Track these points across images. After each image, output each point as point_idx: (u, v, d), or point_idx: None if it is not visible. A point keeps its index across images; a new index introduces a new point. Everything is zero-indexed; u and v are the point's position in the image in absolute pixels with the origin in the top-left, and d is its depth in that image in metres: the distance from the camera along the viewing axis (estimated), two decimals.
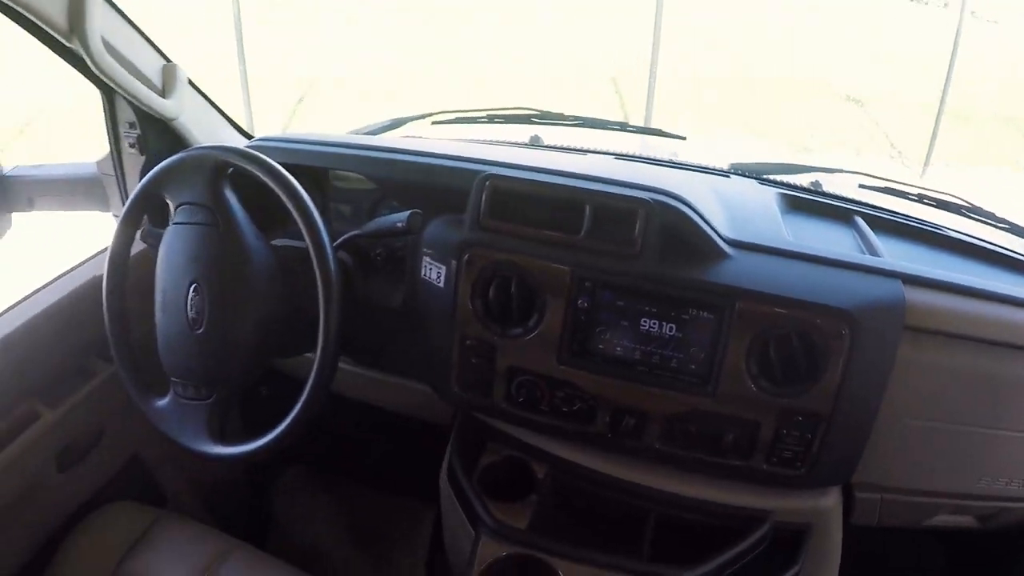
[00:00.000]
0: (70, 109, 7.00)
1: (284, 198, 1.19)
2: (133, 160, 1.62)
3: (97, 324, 1.36)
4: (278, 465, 2.19)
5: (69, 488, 1.60)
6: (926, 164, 7.18)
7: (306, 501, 2.19)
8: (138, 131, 1.57)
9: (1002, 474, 1.28)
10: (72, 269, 1.64)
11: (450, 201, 1.30)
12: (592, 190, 1.21)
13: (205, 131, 1.65)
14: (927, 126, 7.19)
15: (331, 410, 1.27)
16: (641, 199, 1.17)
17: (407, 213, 1.25)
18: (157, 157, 1.51)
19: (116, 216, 1.64)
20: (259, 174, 1.20)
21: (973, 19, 8.02)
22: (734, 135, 7.23)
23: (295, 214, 1.18)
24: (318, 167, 1.50)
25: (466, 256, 1.24)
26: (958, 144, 7.75)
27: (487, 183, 1.23)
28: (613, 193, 1.20)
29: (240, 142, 1.72)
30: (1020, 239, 1.55)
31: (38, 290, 1.57)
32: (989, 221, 1.56)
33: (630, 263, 1.17)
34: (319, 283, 1.16)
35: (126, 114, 1.57)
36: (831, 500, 1.27)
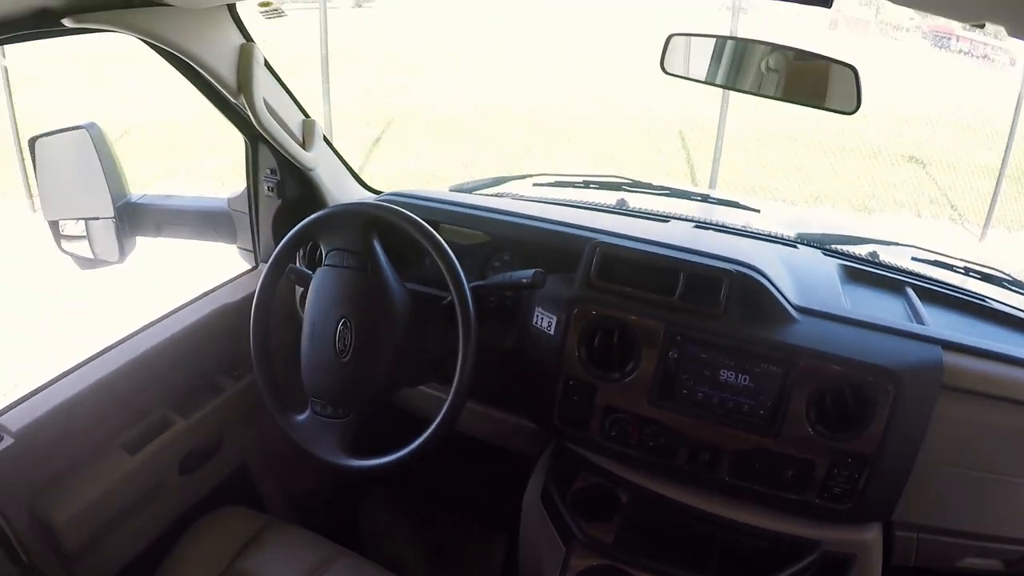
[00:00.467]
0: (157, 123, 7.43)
1: (432, 252, 1.41)
2: (269, 203, 1.83)
3: (225, 346, 1.56)
4: (365, 483, 2.35)
5: (187, 490, 1.75)
6: (985, 227, 7.18)
7: (388, 518, 2.33)
8: (278, 177, 1.78)
9: None
10: (205, 294, 1.84)
11: (557, 259, 1.54)
12: (686, 260, 1.45)
13: (336, 183, 1.87)
14: (988, 189, 7.19)
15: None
16: (726, 269, 1.42)
17: (532, 272, 1.44)
18: (292, 202, 1.78)
19: (242, 249, 1.93)
20: (410, 230, 1.42)
21: None
22: (798, 202, 7.30)
23: (441, 267, 1.40)
24: (445, 223, 1.71)
25: (576, 310, 1.47)
26: (1020, 208, 7.70)
27: (597, 250, 1.49)
28: (704, 264, 1.44)
29: (365, 194, 1.96)
30: None
31: (176, 310, 1.77)
32: None
33: (714, 323, 1.40)
34: (460, 325, 1.38)
35: (268, 161, 1.78)
36: (873, 534, 1.45)
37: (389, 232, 1.45)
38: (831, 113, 1.41)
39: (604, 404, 1.47)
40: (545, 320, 1.51)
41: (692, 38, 1.49)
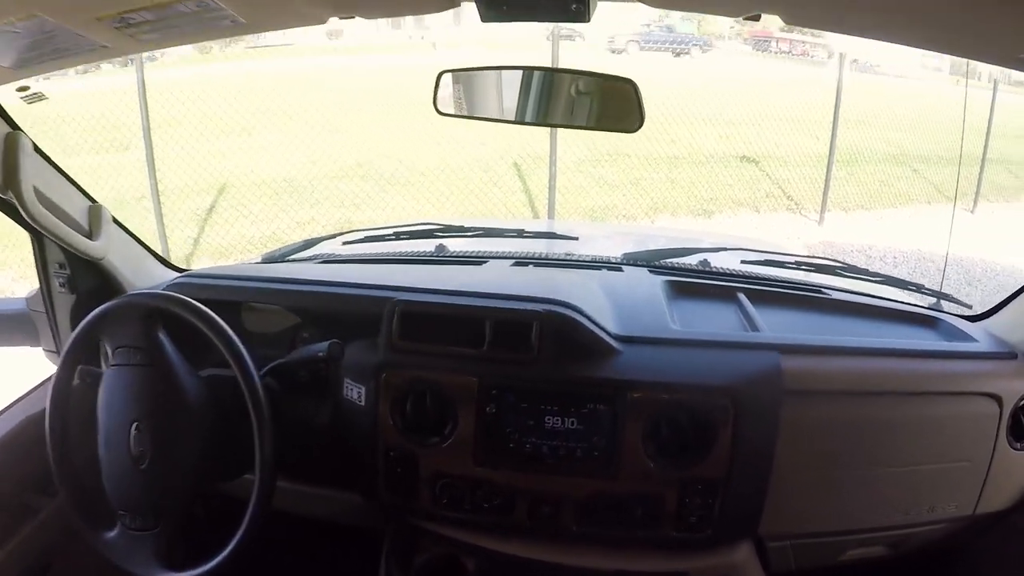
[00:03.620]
0: None
1: (213, 338, 1.30)
2: (64, 299, 1.67)
3: (33, 461, 1.43)
4: None
5: None
6: (822, 212, 7.50)
7: None
8: (68, 271, 1.63)
9: (897, 506, 1.44)
10: (11, 405, 1.67)
11: (365, 325, 1.43)
12: (491, 307, 1.36)
13: (131, 267, 1.72)
14: (820, 177, 7.55)
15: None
16: (535, 311, 1.34)
17: (327, 344, 1.36)
18: (87, 296, 1.63)
19: (48, 351, 1.76)
20: (189, 318, 1.31)
21: (852, 69, 8.43)
22: (639, 216, 7.40)
23: (225, 352, 1.29)
24: (237, 301, 1.59)
25: (383, 376, 1.37)
26: (855, 190, 8.07)
27: (397, 309, 1.38)
28: (510, 308, 1.36)
29: (166, 275, 1.81)
30: (894, 289, 1.75)
31: None
32: (863, 277, 1.74)
33: (530, 369, 1.32)
34: (251, 412, 1.28)
35: (55, 255, 1.63)
36: (743, 554, 1.40)
37: (174, 321, 1.34)
38: (615, 133, 1.40)
39: (430, 472, 1.39)
40: (355, 391, 1.42)
41: (462, 73, 1.44)
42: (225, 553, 1.29)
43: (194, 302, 1.33)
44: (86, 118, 6.97)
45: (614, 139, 8.02)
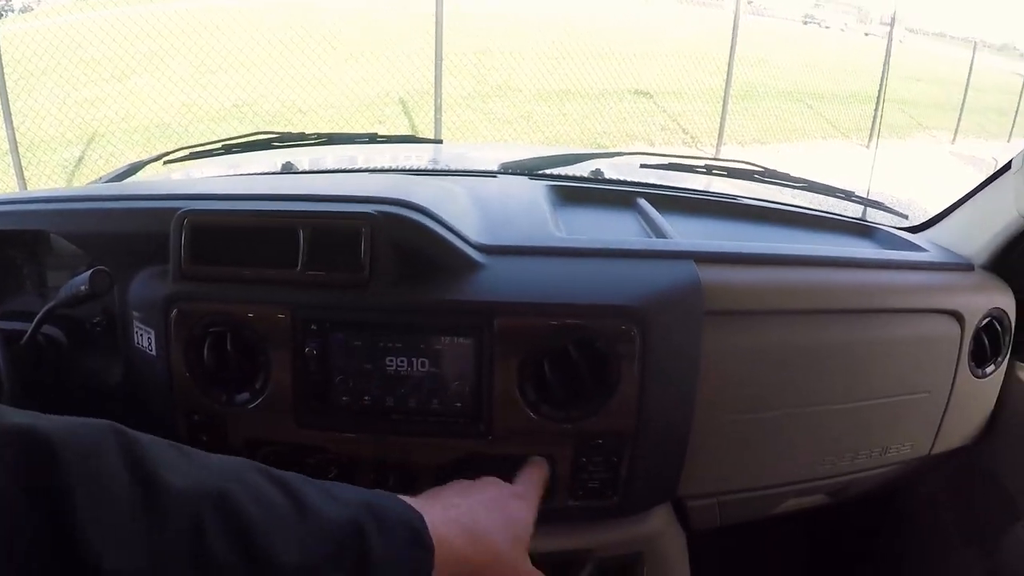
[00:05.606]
0: None
1: None
2: None
3: None
4: None
5: None
6: (719, 145, 7.53)
7: None
8: None
9: (844, 450, 1.19)
10: None
11: (158, 252, 1.04)
12: (305, 211, 0.99)
13: None
14: (716, 112, 7.53)
15: None
16: (365, 213, 0.97)
17: (89, 272, 1.01)
18: None
19: None
20: None
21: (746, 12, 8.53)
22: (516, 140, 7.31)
23: None
24: (29, 229, 1.21)
25: (173, 312, 1.00)
26: (750, 123, 8.13)
27: (185, 221, 1.00)
28: (330, 211, 0.99)
29: None
30: (819, 196, 1.51)
31: None
32: (784, 183, 1.48)
33: (360, 293, 0.96)
34: None
35: None
36: (660, 520, 1.12)
37: None
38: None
39: (242, 439, 1.03)
40: (145, 336, 1.05)
41: None
42: None
43: None
44: None
45: (504, 72, 7.89)
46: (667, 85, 8.33)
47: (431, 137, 6.47)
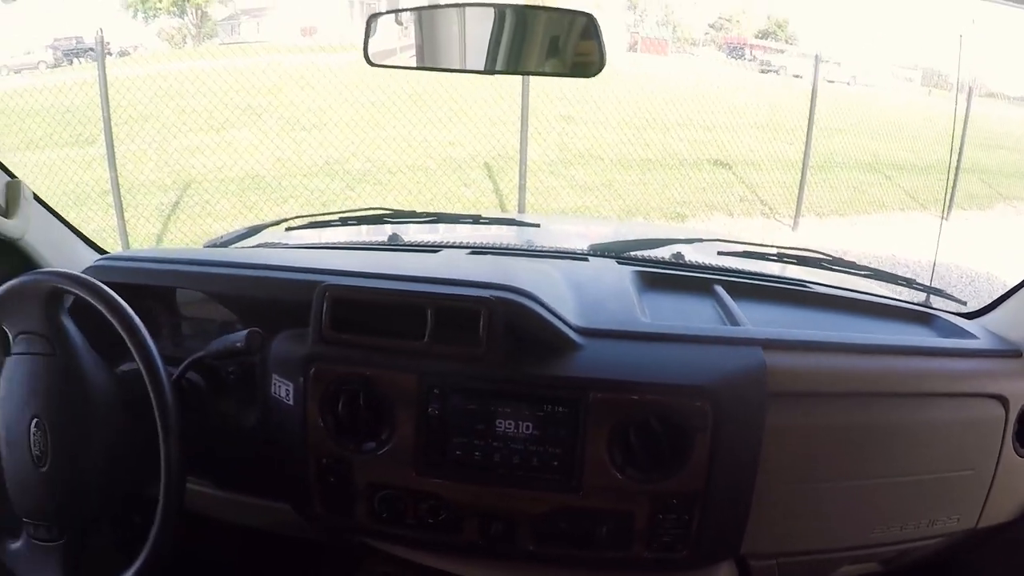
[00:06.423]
0: None
1: (116, 324, 1.14)
2: None
3: None
4: None
5: None
6: (797, 216, 7.42)
7: None
8: None
9: (894, 520, 1.29)
10: None
11: (296, 315, 1.25)
12: (432, 293, 1.19)
13: (54, 249, 1.55)
14: (794, 182, 7.47)
15: (194, 534, 1.23)
16: (483, 298, 1.16)
17: (245, 333, 1.20)
18: (3, 279, 1.43)
19: None
20: (91, 300, 1.15)
21: (823, 79, 8.45)
22: (612, 219, 7.32)
23: (127, 340, 1.14)
24: (167, 286, 1.43)
25: (312, 371, 1.20)
26: (828, 195, 8.06)
27: (326, 294, 1.20)
28: (454, 294, 1.18)
29: (95, 258, 1.63)
30: (883, 283, 1.60)
31: None
32: (850, 270, 1.59)
33: (477, 365, 1.15)
34: (156, 412, 1.12)
35: None
36: (723, 575, 1.26)
37: (88, 305, 1.18)
38: (576, 79, 1.21)
39: (366, 482, 1.21)
40: (283, 388, 1.24)
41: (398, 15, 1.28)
42: (131, 570, 1.15)
43: (98, 283, 1.17)
44: (52, 112, 6.80)
45: (587, 141, 7.98)
46: (745, 155, 8.36)
47: (518, 205, 6.62)
